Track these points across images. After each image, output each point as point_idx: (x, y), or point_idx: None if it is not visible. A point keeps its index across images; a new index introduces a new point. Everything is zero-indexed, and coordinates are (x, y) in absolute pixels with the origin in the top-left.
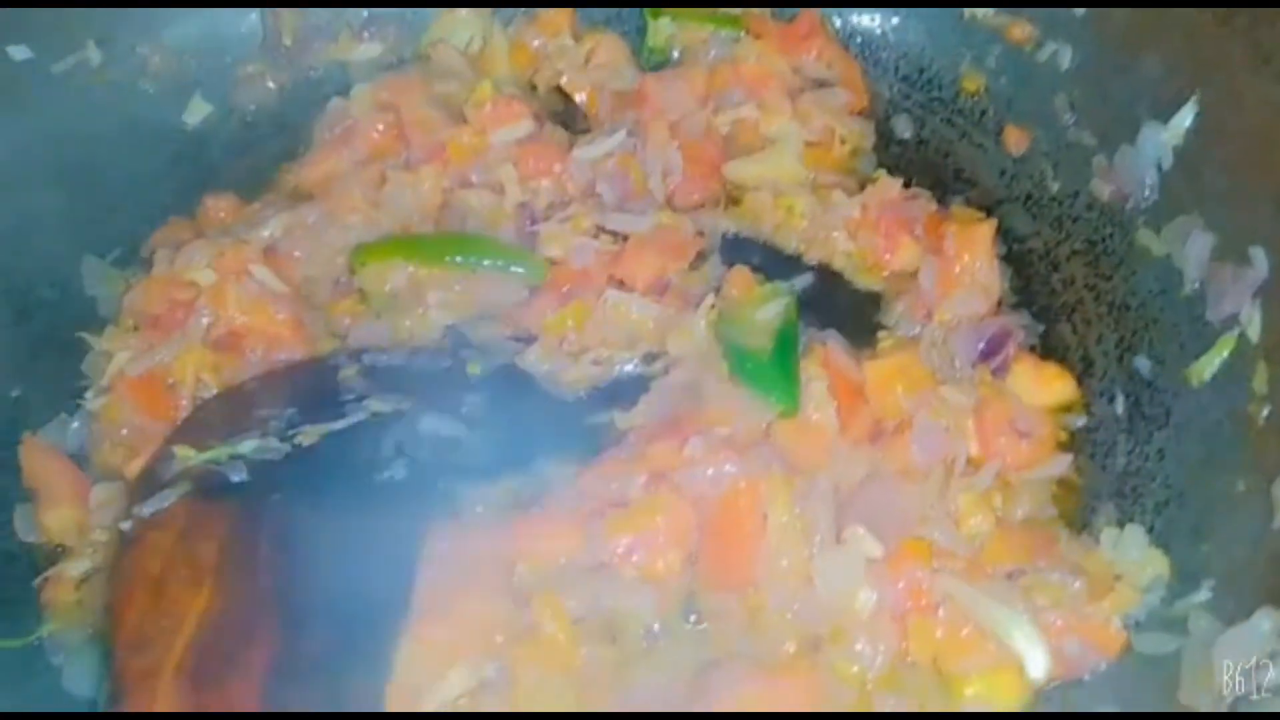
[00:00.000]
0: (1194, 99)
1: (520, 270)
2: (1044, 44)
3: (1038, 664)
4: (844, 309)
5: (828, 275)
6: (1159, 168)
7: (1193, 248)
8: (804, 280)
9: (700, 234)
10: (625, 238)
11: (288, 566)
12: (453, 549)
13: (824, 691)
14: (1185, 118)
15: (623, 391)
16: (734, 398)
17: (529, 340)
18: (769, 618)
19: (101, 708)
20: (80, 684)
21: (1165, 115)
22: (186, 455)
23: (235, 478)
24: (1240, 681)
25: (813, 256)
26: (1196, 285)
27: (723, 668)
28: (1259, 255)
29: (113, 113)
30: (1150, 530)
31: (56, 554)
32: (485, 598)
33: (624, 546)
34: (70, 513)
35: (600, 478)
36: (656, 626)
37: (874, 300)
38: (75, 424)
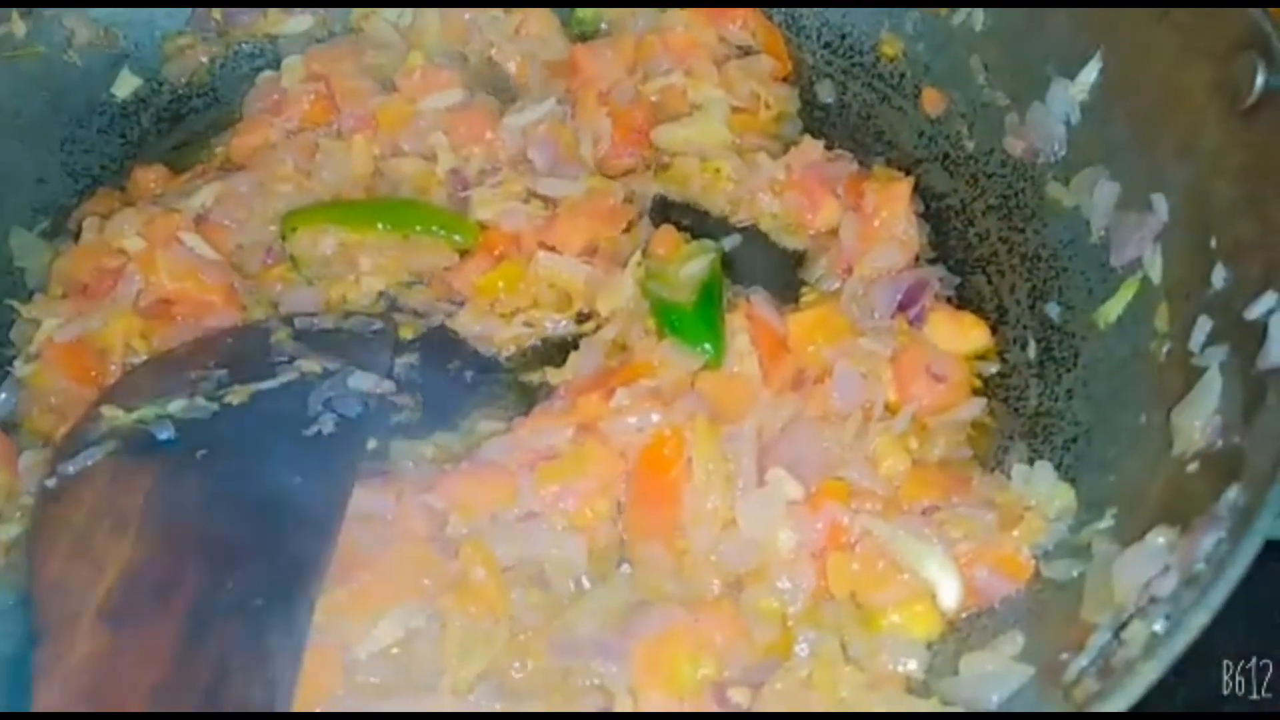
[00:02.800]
0: (1098, 54)
1: (451, 235)
2: (958, 8)
3: (950, 593)
4: (769, 268)
5: (753, 236)
6: (1067, 123)
7: (1099, 197)
8: (731, 241)
9: (629, 199)
10: (556, 204)
11: (212, 516)
12: (383, 503)
13: (746, 627)
14: (1090, 72)
15: (554, 351)
16: (660, 351)
17: (461, 304)
18: (694, 560)
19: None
20: (7, 644)
21: (1072, 72)
22: (114, 416)
23: (162, 435)
24: (1138, 594)
25: (739, 218)
26: (1103, 233)
27: (650, 607)
28: (1159, 201)
29: (39, 85)
30: (1059, 465)
31: None
32: (414, 549)
33: (553, 496)
34: None
35: (530, 431)
36: (586, 572)
37: (798, 259)
38: (3, 394)
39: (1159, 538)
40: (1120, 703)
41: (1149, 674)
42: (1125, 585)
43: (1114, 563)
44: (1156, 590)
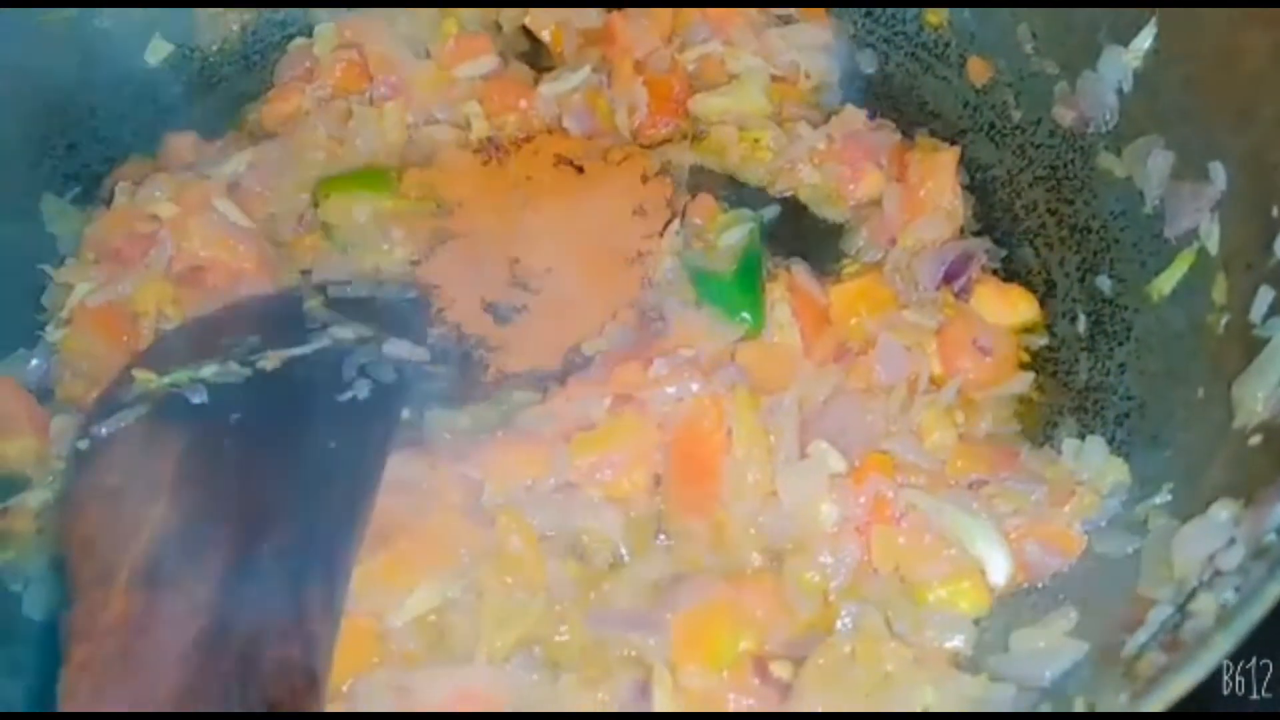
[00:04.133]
0: (1153, 20)
1: None
2: None
3: (999, 568)
4: (809, 239)
5: (793, 206)
6: (1120, 91)
7: (1153, 167)
8: (770, 212)
9: (666, 169)
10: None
11: (246, 480)
12: (418, 471)
13: (787, 601)
14: (1145, 39)
15: None
16: (699, 320)
17: None
18: (734, 533)
19: (60, 625)
20: (40, 609)
21: (1125, 38)
22: (146, 379)
23: (195, 400)
24: (1201, 569)
25: (778, 189)
26: (1156, 203)
27: (688, 580)
28: (1217, 170)
29: (71, 51)
30: (1111, 440)
31: (16, 484)
32: (450, 518)
33: (590, 467)
34: (30, 443)
35: (567, 401)
36: (623, 544)
37: (838, 230)
38: (35, 360)
39: (1222, 511)
40: (1193, 675)
41: (1223, 645)
42: (1186, 559)
43: (1173, 537)
44: (1221, 564)
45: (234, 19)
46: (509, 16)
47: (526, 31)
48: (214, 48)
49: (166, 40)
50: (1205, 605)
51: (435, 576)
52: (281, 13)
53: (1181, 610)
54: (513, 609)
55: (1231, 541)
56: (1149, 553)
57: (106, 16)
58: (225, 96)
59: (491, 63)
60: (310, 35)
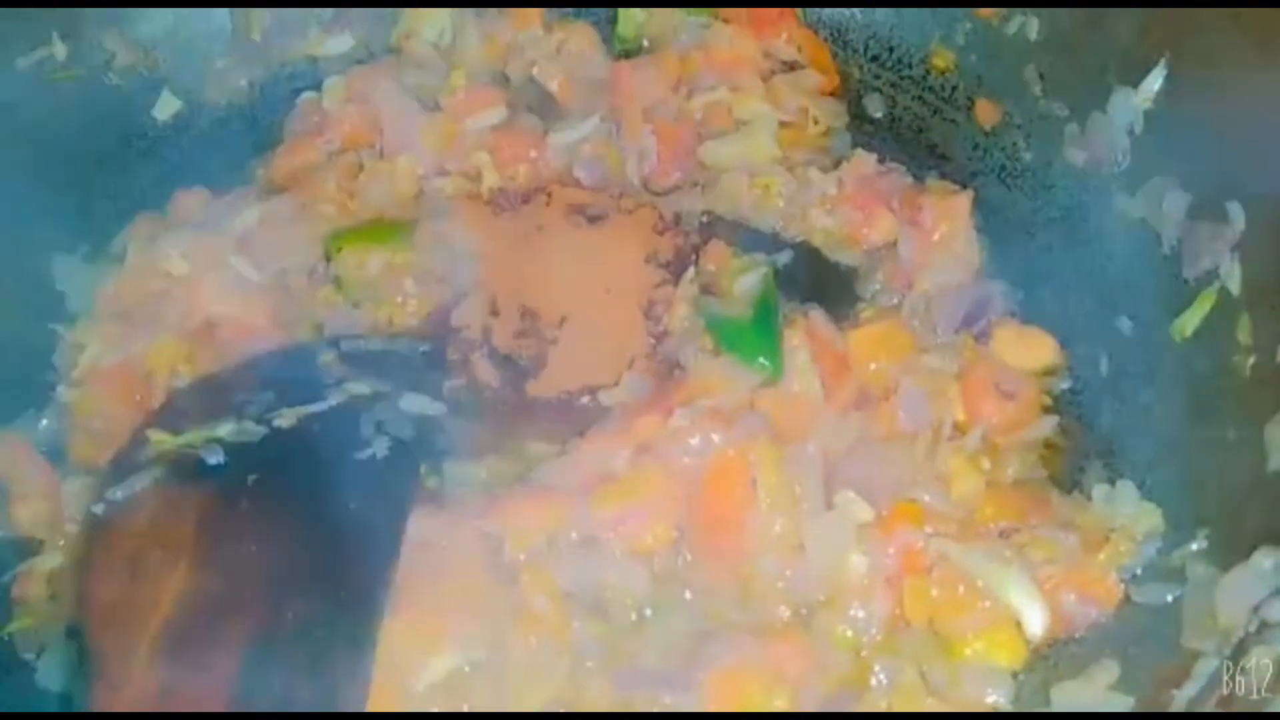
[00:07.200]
0: (1163, 61)
1: None
2: (1011, 16)
3: (1035, 620)
4: (823, 283)
5: (806, 251)
6: (1131, 132)
7: (1169, 208)
8: (783, 257)
9: (678, 217)
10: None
11: (268, 543)
12: (438, 529)
13: (819, 657)
14: (1155, 80)
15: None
16: (717, 369)
17: None
18: (761, 586)
19: (76, 697)
20: (54, 679)
21: (1135, 79)
22: (161, 440)
23: (211, 460)
24: (1246, 620)
25: (791, 234)
26: (1174, 244)
27: (716, 637)
28: (1235, 210)
29: (80, 108)
30: (1142, 485)
31: (27, 549)
32: (472, 576)
33: (611, 520)
34: (42, 505)
35: (586, 453)
36: (647, 600)
37: (852, 274)
38: (45, 421)
39: (1265, 559)
40: None
41: None
42: (1230, 610)
43: (1215, 586)
44: (1268, 615)
45: (243, 74)
46: (516, 68)
47: (534, 82)
48: (223, 103)
49: (175, 96)
50: (1261, 661)
51: (458, 637)
52: (290, 67)
53: (1234, 663)
54: (539, 670)
55: (1277, 591)
56: (1190, 602)
57: (116, 73)
58: (234, 152)
59: (500, 114)
60: (319, 89)
